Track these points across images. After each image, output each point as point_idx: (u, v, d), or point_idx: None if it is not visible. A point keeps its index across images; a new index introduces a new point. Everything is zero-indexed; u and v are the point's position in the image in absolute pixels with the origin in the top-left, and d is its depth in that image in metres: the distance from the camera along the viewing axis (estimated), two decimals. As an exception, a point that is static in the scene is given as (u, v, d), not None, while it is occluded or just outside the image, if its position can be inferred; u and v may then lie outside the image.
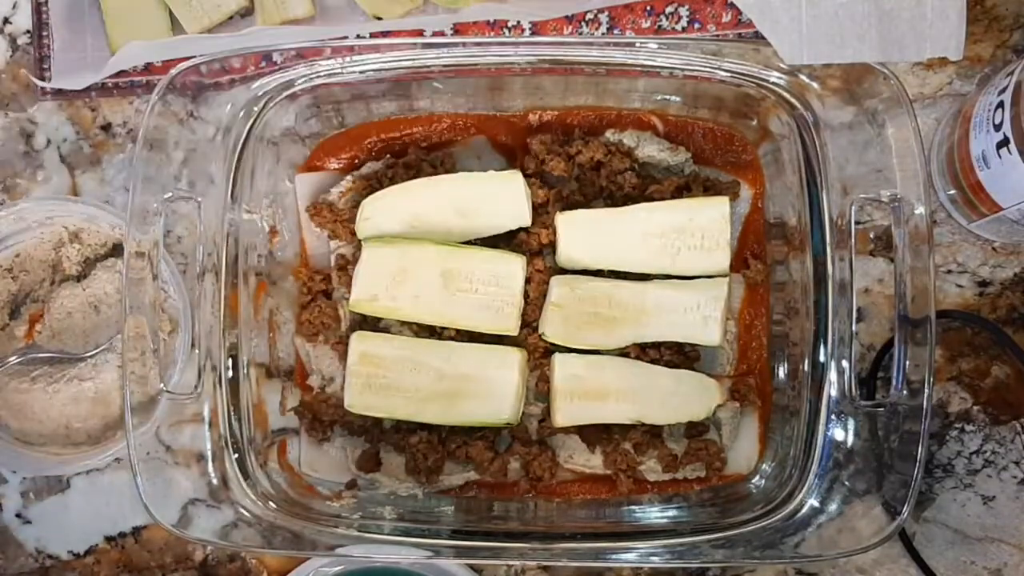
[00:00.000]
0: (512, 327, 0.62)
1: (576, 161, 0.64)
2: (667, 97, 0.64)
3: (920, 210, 0.55)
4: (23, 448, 0.66)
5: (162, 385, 0.58)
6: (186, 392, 0.59)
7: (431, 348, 0.62)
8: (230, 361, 0.61)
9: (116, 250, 0.67)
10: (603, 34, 0.67)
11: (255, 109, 0.61)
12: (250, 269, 0.63)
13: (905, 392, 0.55)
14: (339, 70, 0.60)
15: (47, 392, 0.65)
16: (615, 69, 0.60)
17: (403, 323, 0.63)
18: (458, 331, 0.63)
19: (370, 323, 0.64)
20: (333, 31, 0.66)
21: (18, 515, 0.69)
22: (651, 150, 0.64)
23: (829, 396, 0.58)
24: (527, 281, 0.62)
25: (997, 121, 0.56)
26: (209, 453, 0.60)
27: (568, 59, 0.60)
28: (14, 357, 0.64)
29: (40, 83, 0.67)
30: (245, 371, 0.62)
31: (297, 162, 0.66)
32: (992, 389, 0.66)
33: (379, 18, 0.66)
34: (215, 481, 0.60)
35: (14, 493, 0.69)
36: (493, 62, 0.60)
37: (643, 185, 0.63)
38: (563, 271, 0.63)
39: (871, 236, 0.66)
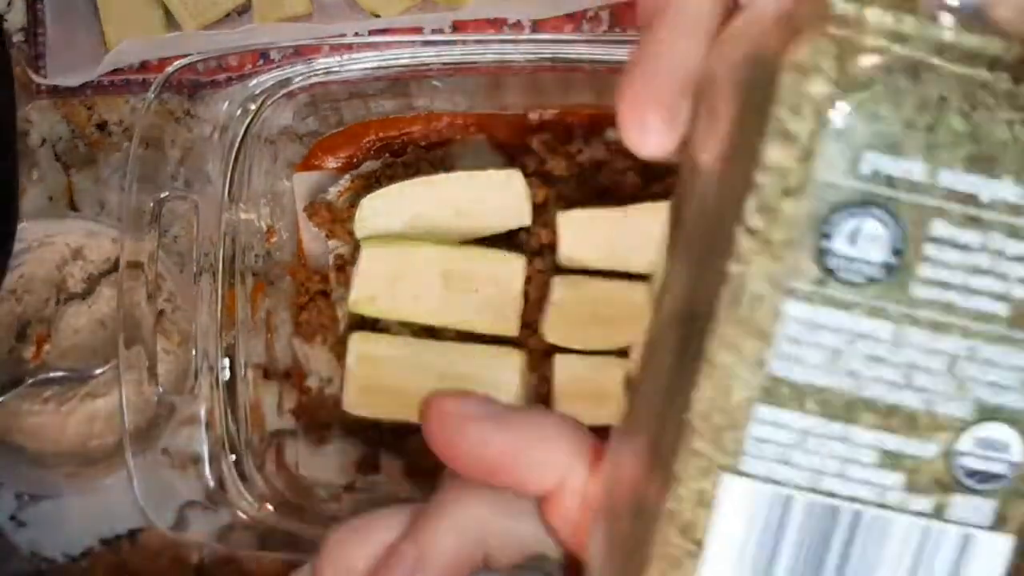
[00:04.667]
0: (512, 327, 0.62)
1: (577, 160, 0.63)
2: (668, 95, 0.63)
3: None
4: (40, 471, 0.65)
5: (160, 388, 0.58)
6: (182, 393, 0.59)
7: (430, 349, 0.61)
8: (227, 362, 0.61)
9: (119, 265, 0.67)
10: (604, 31, 0.67)
11: (252, 107, 0.61)
12: (247, 269, 0.63)
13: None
14: (337, 68, 0.60)
15: (60, 412, 0.65)
16: (616, 67, 0.60)
17: (402, 324, 0.63)
18: (458, 332, 0.62)
19: (369, 324, 0.63)
20: (331, 28, 0.65)
21: (12, 518, 0.68)
22: (652, 149, 0.63)
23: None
24: (527, 281, 0.62)
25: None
26: (206, 455, 0.59)
27: (569, 57, 0.59)
28: (28, 379, 0.64)
29: (36, 78, 0.67)
30: (242, 372, 0.62)
31: (295, 161, 0.65)
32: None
33: (377, 15, 0.66)
34: (212, 483, 0.60)
35: (9, 496, 0.68)
36: (493, 60, 0.60)
37: (644, 185, 0.63)
38: (563, 271, 0.63)
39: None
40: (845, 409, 0.18)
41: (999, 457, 0.18)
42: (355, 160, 0.66)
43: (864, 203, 0.17)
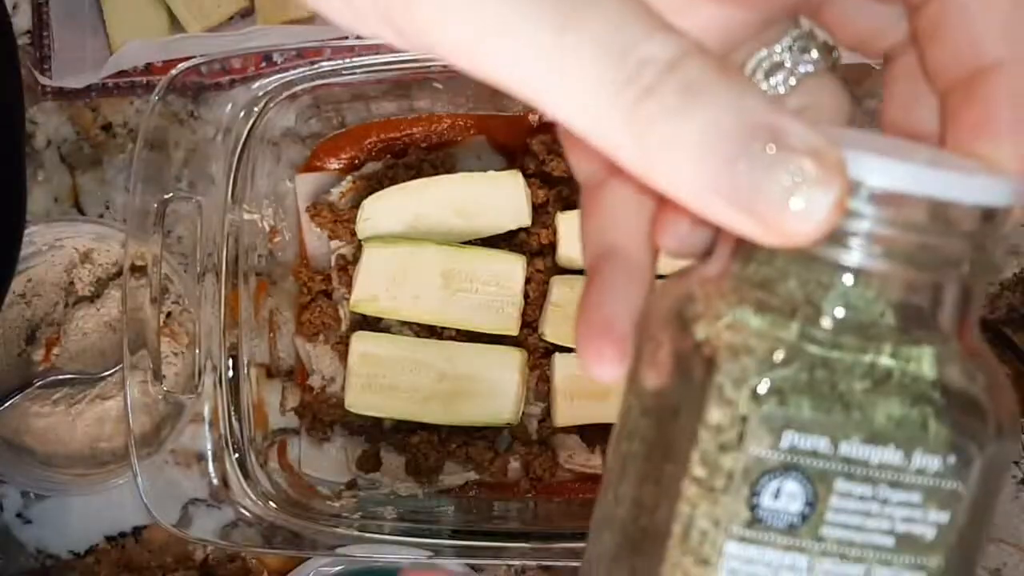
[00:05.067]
0: (512, 327, 0.62)
1: (576, 161, 0.63)
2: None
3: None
4: (50, 472, 0.66)
5: (165, 389, 0.58)
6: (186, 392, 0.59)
7: (431, 348, 0.62)
8: (230, 361, 0.61)
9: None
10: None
11: (255, 109, 0.61)
12: (250, 269, 0.63)
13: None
14: (339, 70, 0.60)
15: (70, 414, 0.65)
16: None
17: (403, 323, 0.63)
18: (458, 331, 0.63)
19: (370, 323, 0.64)
20: (333, 31, 0.66)
21: (19, 515, 0.69)
22: (651, 150, 0.64)
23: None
24: (527, 281, 0.62)
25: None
26: (209, 453, 0.60)
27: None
28: (37, 381, 0.64)
29: (41, 79, 0.67)
30: (245, 371, 0.62)
31: (297, 162, 0.66)
32: (992, 389, 0.66)
33: (379, 18, 0.66)
34: (215, 481, 0.60)
35: (15, 493, 0.69)
36: (493, 62, 0.60)
37: (643, 185, 0.63)
38: (563, 271, 0.63)
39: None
40: None
41: None
42: (357, 161, 0.66)
43: (785, 469, 0.22)
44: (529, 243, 0.63)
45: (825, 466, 0.22)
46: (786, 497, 0.22)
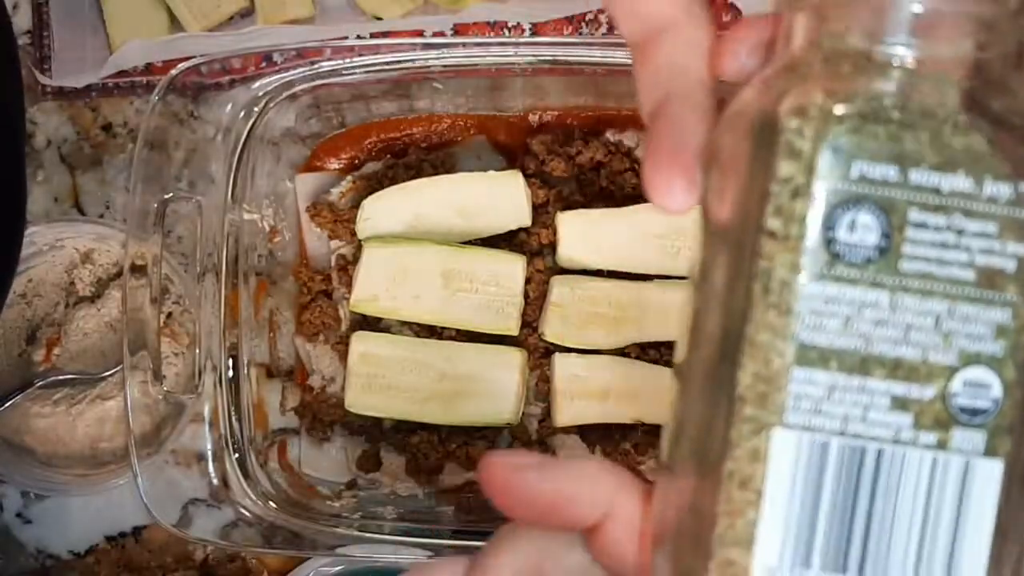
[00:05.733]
0: (512, 327, 0.62)
1: (576, 161, 0.64)
2: (667, 97, 0.63)
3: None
4: (51, 472, 0.66)
5: (165, 388, 0.58)
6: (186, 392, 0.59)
7: (431, 348, 0.62)
8: (230, 361, 0.61)
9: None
10: (603, 34, 0.67)
11: (255, 109, 0.61)
12: (250, 269, 0.63)
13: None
14: (339, 70, 0.60)
15: (70, 414, 0.65)
16: (615, 69, 0.60)
17: (403, 323, 0.63)
18: (458, 331, 0.63)
19: (370, 323, 0.64)
20: (333, 31, 0.66)
21: (19, 515, 0.69)
22: (651, 150, 0.64)
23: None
24: (527, 281, 0.63)
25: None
26: (209, 453, 0.60)
27: (568, 59, 0.60)
28: (38, 381, 0.64)
29: (42, 79, 0.67)
30: (245, 371, 0.62)
31: (297, 162, 0.66)
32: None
33: (379, 18, 0.66)
34: (215, 481, 0.60)
35: (15, 493, 0.69)
36: (493, 62, 0.60)
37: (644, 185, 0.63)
38: (563, 271, 0.63)
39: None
40: (860, 364, 0.23)
41: (983, 395, 0.23)
42: (357, 161, 0.66)
43: (857, 200, 0.22)
44: (529, 243, 0.63)
45: (897, 195, 0.22)
46: (861, 229, 0.22)
